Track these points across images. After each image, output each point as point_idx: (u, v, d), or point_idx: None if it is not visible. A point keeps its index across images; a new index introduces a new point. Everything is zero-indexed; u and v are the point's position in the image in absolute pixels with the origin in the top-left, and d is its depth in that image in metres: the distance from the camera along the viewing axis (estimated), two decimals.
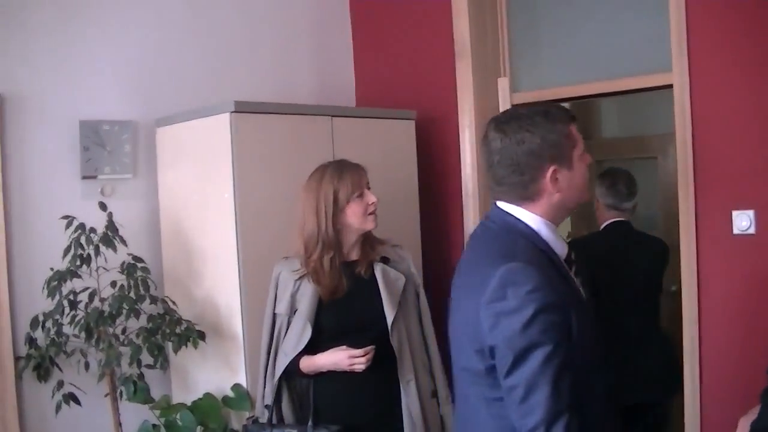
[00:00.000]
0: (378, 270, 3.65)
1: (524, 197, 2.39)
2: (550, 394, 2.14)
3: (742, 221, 3.89)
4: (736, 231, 3.92)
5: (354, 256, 3.65)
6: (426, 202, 4.88)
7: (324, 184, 3.55)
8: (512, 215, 2.41)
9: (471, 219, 4.81)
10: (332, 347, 3.51)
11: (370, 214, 3.59)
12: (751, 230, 3.87)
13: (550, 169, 2.35)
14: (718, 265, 3.95)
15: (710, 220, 4.01)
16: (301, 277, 3.59)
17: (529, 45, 4.97)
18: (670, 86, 4.16)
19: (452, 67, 4.87)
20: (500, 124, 2.41)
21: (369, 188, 3.61)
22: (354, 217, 3.55)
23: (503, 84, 4.00)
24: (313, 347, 3.54)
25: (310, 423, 3.53)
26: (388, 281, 3.65)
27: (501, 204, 2.44)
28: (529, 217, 2.40)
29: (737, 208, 3.93)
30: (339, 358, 3.48)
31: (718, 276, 3.90)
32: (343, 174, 3.56)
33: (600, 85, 4.57)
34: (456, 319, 2.48)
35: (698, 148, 4.03)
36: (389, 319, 3.59)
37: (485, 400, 2.36)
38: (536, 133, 2.34)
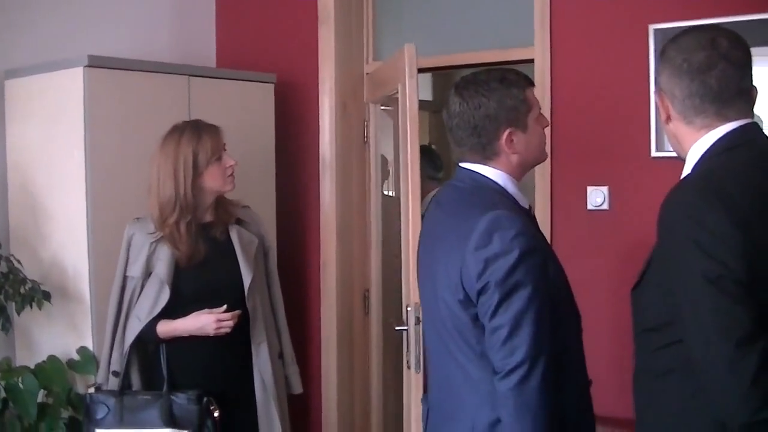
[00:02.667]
0: (234, 233, 3.62)
1: (485, 157, 2.54)
2: (534, 333, 2.29)
3: (597, 197, 3.96)
4: (590, 206, 3.99)
5: (208, 218, 3.60)
6: (283, 166, 4.83)
7: (182, 147, 3.47)
8: (479, 173, 2.57)
9: (327, 185, 4.78)
10: (189, 312, 3.46)
11: (230, 176, 3.53)
12: (605, 206, 3.94)
13: (506, 132, 2.50)
14: (572, 240, 4.01)
15: (565, 195, 4.07)
16: (157, 240, 3.51)
17: (394, 14, 4.95)
18: (532, 61, 4.19)
19: (315, 32, 4.80)
20: (459, 89, 2.56)
21: (225, 150, 3.54)
22: (213, 180, 3.50)
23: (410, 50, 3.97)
24: (168, 312, 3.47)
25: (165, 388, 3.45)
26: (243, 244, 3.63)
27: (466, 164, 2.59)
28: (494, 173, 2.55)
29: (592, 184, 3.99)
30: (205, 321, 3.44)
31: (572, 250, 3.95)
32: (202, 136, 3.49)
33: (462, 57, 4.57)
34: (438, 278, 2.52)
35: (556, 123, 4.08)
36: (246, 282, 3.56)
37: (476, 356, 2.44)
38: (492, 98, 2.49)
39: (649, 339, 2.26)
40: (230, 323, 3.44)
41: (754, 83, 2.22)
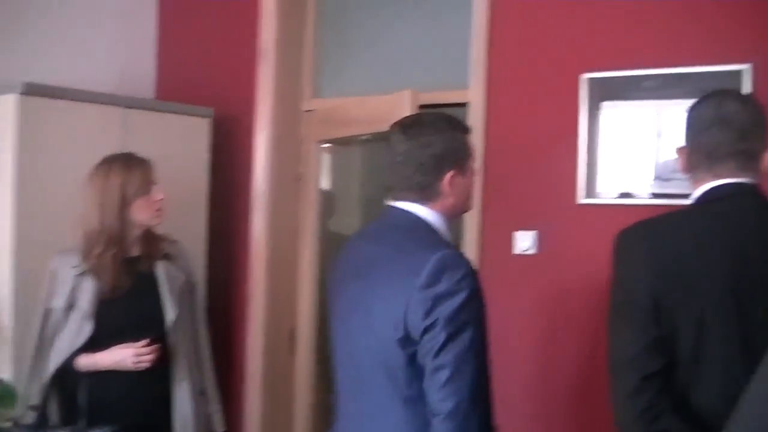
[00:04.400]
0: (160, 268, 3.60)
1: (424, 197, 2.56)
2: (476, 375, 2.32)
3: (524, 241, 4.00)
4: (517, 251, 4.02)
5: (135, 251, 3.58)
6: (216, 201, 4.81)
7: (110, 179, 3.46)
8: (414, 213, 2.57)
9: (260, 221, 4.77)
10: (111, 345, 3.42)
11: (158, 210, 3.53)
12: (532, 250, 3.98)
13: (449, 173, 2.54)
14: (499, 283, 4.05)
15: (494, 239, 4.10)
16: (81, 273, 3.48)
17: (334, 52, 4.97)
18: (465, 104, 4.23)
19: (255, 67, 4.82)
20: (405, 128, 2.59)
21: (156, 183, 3.55)
22: (140, 213, 3.49)
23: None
24: (90, 345, 3.44)
25: (82, 424, 3.40)
26: (169, 279, 3.61)
27: (401, 204, 2.59)
28: (430, 213, 2.57)
29: (520, 228, 4.04)
30: (123, 355, 3.40)
31: (499, 293, 3.99)
32: (131, 169, 3.49)
33: (400, 98, 4.60)
34: (375, 313, 2.49)
35: (488, 167, 4.12)
36: (170, 318, 3.54)
37: (401, 399, 2.42)
38: (440, 138, 2.54)
39: None
40: (150, 357, 3.42)
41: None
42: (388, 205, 2.65)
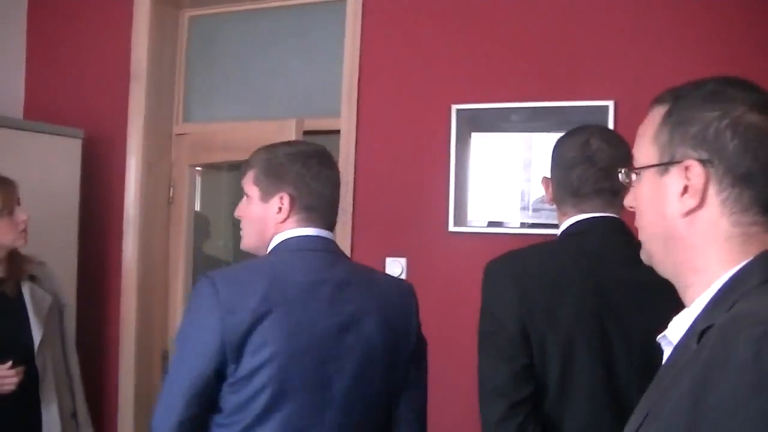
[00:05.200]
0: (26, 289, 3.53)
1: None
2: None
3: (395, 268, 4.06)
4: None
5: (0, 274, 3.51)
6: (87, 223, 4.76)
7: None
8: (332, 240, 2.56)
9: (130, 243, 4.74)
10: None
11: (22, 231, 3.47)
12: (402, 276, 4.04)
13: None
14: None
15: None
16: None
17: (207, 76, 4.98)
18: (338, 131, 4.29)
19: (126, 89, 4.79)
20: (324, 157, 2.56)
21: (20, 204, 3.48)
22: (3, 234, 3.42)
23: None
24: None
25: None
26: (35, 301, 3.54)
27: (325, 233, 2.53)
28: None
29: (391, 255, 4.10)
30: None
31: None
32: None
33: (272, 124, 4.63)
34: (376, 349, 2.45)
35: (359, 195, 4.19)
36: (36, 340, 3.48)
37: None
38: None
39: None
40: (14, 380, 3.34)
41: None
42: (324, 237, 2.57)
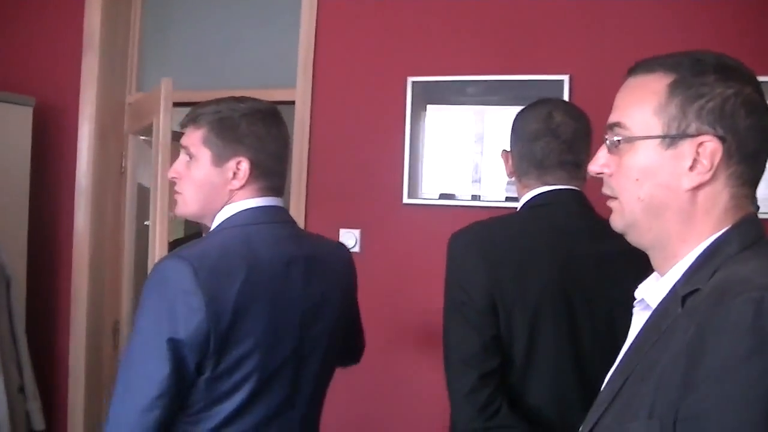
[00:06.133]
0: None
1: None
2: None
3: (349, 240, 4.06)
4: None
5: None
6: (37, 193, 4.70)
7: None
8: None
9: (81, 214, 4.69)
10: None
11: None
12: (356, 249, 4.05)
13: None
14: None
15: None
16: None
17: (159, 46, 4.93)
18: (293, 102, 4.28)
19: (79, 58, 4.71)
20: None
21: None
22: None
23: (167, 84, 3.98)
24: None
25: None
26: None
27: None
28: None
29: (345, 227, 4.11)
30: None
31: None
32: None
33: (224, 93, 4.59)
34: (337, 328, 2.43)
35: (313, 166, 4.18)
36: None
37: None
38: None
39: None
40: None
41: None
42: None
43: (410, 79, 4.06)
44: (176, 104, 3.94)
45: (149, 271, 3.46)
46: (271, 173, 2.28)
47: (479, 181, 3.96)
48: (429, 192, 4.04)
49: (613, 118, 1.55)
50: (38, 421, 3.82)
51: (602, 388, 1.52)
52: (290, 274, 2.22)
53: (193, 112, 2.29)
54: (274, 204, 2.30)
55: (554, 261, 2.36)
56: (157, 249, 3.81)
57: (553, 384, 2.35)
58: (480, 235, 2.44)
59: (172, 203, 2.39)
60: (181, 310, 2.00)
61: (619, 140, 1.52)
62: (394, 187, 4.08)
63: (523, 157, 2.53)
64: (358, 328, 2.68)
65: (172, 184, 2.35)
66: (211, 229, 2.27)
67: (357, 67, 4.18)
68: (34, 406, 3.80)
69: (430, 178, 4.05)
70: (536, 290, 2.34)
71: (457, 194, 4.00)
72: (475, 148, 3.99)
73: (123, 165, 4.82)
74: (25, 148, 4.61)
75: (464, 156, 4.00)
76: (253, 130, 2.23)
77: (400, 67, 4.08)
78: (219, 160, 2.22)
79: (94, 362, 4.76)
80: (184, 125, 2.30)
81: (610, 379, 1.51)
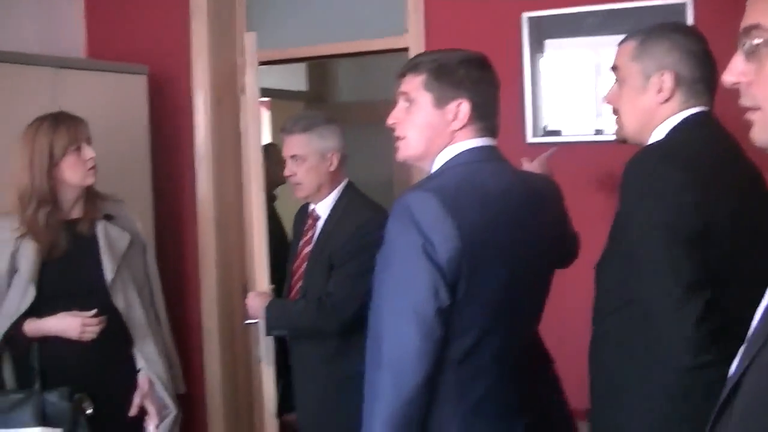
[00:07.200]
0: (100, 228, 3.51)
1: None
2: None
3: None
4: None
5: (76, 214, 3.50)
6: (158, 160, 4.74)
7: (38, 137, 3.37)
8: None
9: (203, 178, 4.70)
10: (57, 308, 3.35)
11: (90, 169, 3.43)
12: None
13: None
14: None
15: None
16: (21, 236, 3.39)
17: (266, 4, 4.90)
18: (406, 50, 4.18)
19: (188, 23, 4.71)
20: None
21: (89, 143, 3.45)
22: (70, 172, 3.39)
23: (250, 39, 3.95)
24: (37, 308, 3.36)
25: (36, 386, 3.32)
26: (110, 240, 3.53)
27: None
28: None
29: None
30: (69, 324, 3.32)
31: None
32: (60, 127, 3.39)
33: (337, 47, 4.55)
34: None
35: None
36: (108, 279, 3.47)
37: None
38: None
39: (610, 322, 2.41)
40: (95, 329, 3.33)
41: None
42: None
43: (525, 15, 3.93)
44: (287, 61, 3.90)
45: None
46: (487, 115, 2.35)
47: (601, 115, 3.82)
48: (554, 129, 3.93)
49: (748, 21, 1.40)
50: (180, 385, 3.89)
51: (755, 323, 1.39)
52: (518, 206, 2.30)
53: (411, 61, 2.43)
54: (492, 144, 2.37)
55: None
56: (254, 207, 3.83)
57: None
58: (676, 153, 2.28)
59: (394, 149, 2.45)
60: (436, 238, 2.10)
61: (758, 43, 1.37)
62: (516, 126, 3.96)
63: (697, 79, 2.40)
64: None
65: (391, 130, 2.45)
66: (432, 171, 2.37)
67: (470, 5, 4.07)
68: (176, 370, 3.85)
69: (552, 115, 3.94)
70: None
71: (579, 130, 3.88)
72: (595, 82, 3.85)
73: (240, 127, 4.80)
74: (142, 117, 4.65)
75: (585, 90, 3.87)
76: (470, 74, 2.32)
77: (514, 2, 3.95)
78: (440, 103, 2.32)
79: (227, 326, 4.79)
80: (402, 74, 2.41)
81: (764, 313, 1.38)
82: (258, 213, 3.91)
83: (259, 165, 3.86)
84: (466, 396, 2.22)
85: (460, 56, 2.35)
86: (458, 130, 2.31)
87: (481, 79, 2.33)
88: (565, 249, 2.77)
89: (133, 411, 3.56)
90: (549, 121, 3.95)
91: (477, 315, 2.19)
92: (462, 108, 2.29)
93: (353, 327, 3.20)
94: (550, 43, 3.92)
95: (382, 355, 2.15)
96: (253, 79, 3.81)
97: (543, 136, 3.92)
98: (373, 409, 2.15)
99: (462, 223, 2.11)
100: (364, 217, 3.40)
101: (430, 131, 2.34)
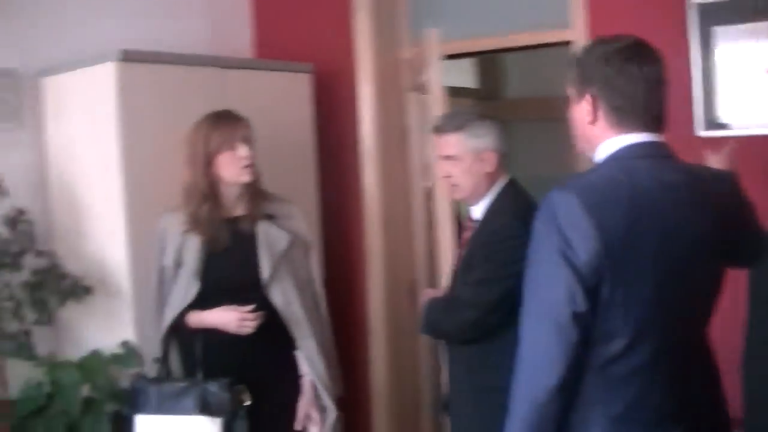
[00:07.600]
0: (261, 227, 3.59)
1: None
2: None
3: None
4: None
5: (239, 211, 3.60)
6: (324, 157, 4.80)
7: (197, 135, 3.51)
8: None
9: (370, 175, 4.69)
10: (218, 303, 3.46)
11: (245, 167, 3.50)
12: None
13: None
14: None
15: None
16: (187, 230, 3.53)
17: None
18: (568, 43, 4.13)
19: (350, 18, 4.73)
20: None
21: (248, 142, 3.53)
22: (225, 169, 3.50)
23: (432, 35, 3.96)
24: (201, 301, 3.50)
25: (199, 376, 3.45)
26: (269, 239, 3.60)
27: None
28: None
29: None
30: (228, 318, 3.43)
31: None
32: (217, 125, 3.51)
33: (499, 41, 4.51)
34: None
35: None
36: (264, 277, 3.55)
37: None
38: None
39: None
40: (253, 324, 3.42)
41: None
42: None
43: (692, 1, 3.81)
44: (450, 56, 3.87)
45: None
46: (632, 108, 2.26)
47: None
48: (728, 121, 3.80)
49: None
50: (339, 387, 3.90)
51: None
52: (678, 203, 2.21)
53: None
54: (654, 139, 2.28)
55: None
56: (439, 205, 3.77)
57: None
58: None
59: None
60: (575, 239, 2.08)
61: None
62: (685, 119, 3.84)
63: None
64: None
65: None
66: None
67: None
68: (335, 372, 3.88)
69: (725, 107, 3.79)
70: None
71: (751, 122, 3.73)
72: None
73: (405, 123, 4.80)
74: (307, 115, 4.74)
75: (756, 80, 3.72)
76: (599, 67, 2.28)
77: None
78: (578, 98, 2.32)
79: (394, 326, 4.76)
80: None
81: None
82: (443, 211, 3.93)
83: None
84: (614, 401, 2.17)
85: (599, 49, 2.32)
86: (593, 123, 2.29)
87: (621, 72, 2.24)
88: (746, 247, 2.59)
89: (298, 425, 3.64)
90: (719, 114, 3.81)
91: (624, 319, 2.13)
92: (590, 101, 2.27)
93: (486, 337, 3.16)
94: (718, 31, 3.78)
95: (520, 357, 2.16)
96: (437, 75, 3.79)
97: (713, 129, 3.79)
98: (510, 409, 2.15)
99: (603, 224, 2.08)
100: (498, 223, 3.24)
101: (578, 125, 2.35)
